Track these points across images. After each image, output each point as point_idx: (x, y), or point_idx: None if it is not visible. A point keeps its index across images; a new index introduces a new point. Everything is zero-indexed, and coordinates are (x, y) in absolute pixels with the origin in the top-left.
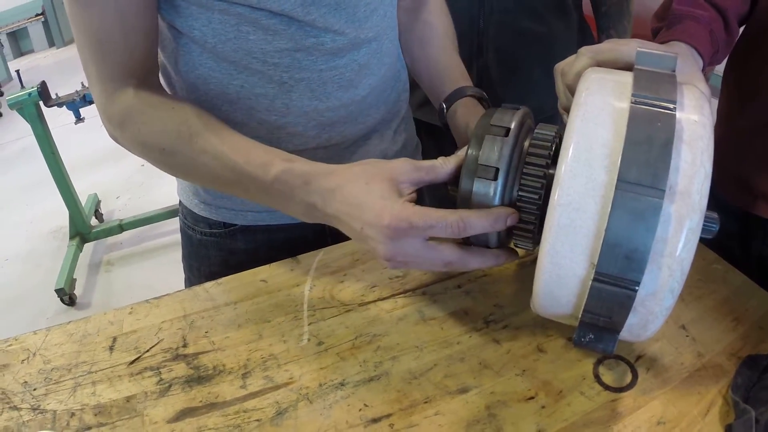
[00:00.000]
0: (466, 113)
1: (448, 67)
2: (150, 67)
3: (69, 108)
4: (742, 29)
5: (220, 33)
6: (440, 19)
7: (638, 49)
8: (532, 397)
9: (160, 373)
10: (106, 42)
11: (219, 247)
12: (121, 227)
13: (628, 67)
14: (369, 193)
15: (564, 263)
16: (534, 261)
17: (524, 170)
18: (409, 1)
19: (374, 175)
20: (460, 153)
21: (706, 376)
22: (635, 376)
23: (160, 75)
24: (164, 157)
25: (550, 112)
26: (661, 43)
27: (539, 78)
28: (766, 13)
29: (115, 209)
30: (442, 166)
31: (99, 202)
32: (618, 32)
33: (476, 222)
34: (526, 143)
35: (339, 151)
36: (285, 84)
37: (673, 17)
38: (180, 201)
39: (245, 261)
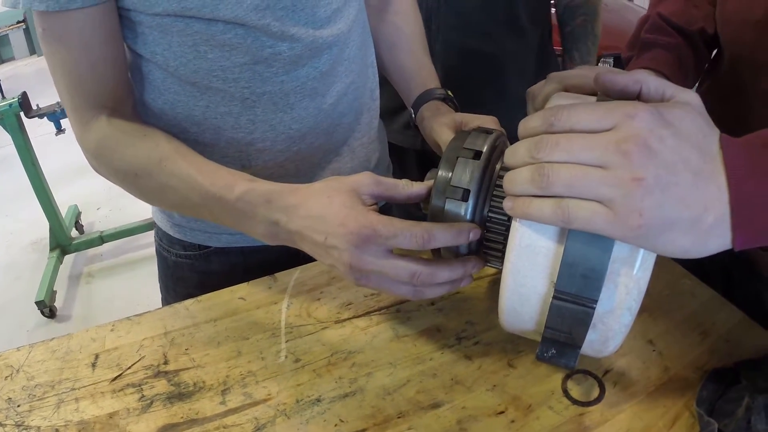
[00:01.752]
0: (431, 116)
1: (416, 71)
2: (121, 96)
3: (50, 119)
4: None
5: (179, 55)
6: (408, 21)
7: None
8: (502, 412)
9: (141, 389)
10: (76, 73)
11: (194, 269)
12: (102, 239)
13: (594, 93)
14: (331, 205)
15: (526, 282)
16: None
17: (494, 192)
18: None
19: (336, 189)
20: (427, 182)
21: (672, 389)
22: (603, 390)
23: None
24: (137, 183)
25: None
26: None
27: (489, 98)
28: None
29: (96, 221)
30: (404, 187)
31: (79, 213)
32: (581, 53)
33: (440, 234)
34: (498, 165)
35: (310, 166)
36: (247, 100)
37: (643, 46)
38: (154, 222)
39: (221, 283)
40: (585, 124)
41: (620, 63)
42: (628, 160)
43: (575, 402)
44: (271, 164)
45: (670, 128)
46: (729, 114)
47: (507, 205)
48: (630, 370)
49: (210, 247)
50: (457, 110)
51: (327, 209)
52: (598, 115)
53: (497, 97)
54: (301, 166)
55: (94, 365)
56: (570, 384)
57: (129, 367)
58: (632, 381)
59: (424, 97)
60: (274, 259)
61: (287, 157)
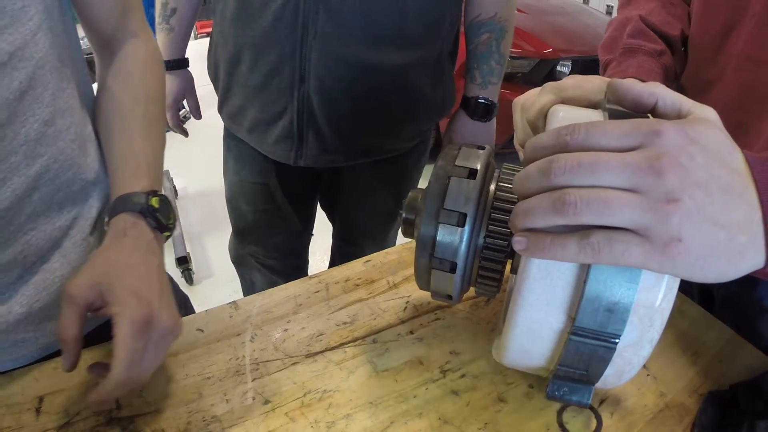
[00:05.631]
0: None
1: (123, 162)
2: None
3: None
4: None
5: None
6: (125, 86)
7: (616, 80)
8: None
9: None
10: None
11: None
12: None
13: (592, 106)
14: None
15: (539, 317)
16: (486, 302)
17: (492, 215)
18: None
19: None
20: None
21: (670, 416)
22: (600, 422)
23: None
24: None
25: (380, 154)
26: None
27: (369, 112)
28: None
29: None
30: None
31: None
32: (482, 73)
33: None
34: (492, 186)
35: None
36: None
37: (626, 51)
38: None
39: None
40: (606, 142)
41: (578, 67)
42: (662, 180)
43: None
44: None
45: (697, 145)
46: None
47: (519, 243)
48: (626, 399)
49: None
50: (163, 229)
51: None
52: (621, 133)
53: (377, 112)
54: None
55: (38, 410)
56: (566, 417)
57: (78, 413)
58: (629, 410)
59: (117, 207)
60: None
61: None
